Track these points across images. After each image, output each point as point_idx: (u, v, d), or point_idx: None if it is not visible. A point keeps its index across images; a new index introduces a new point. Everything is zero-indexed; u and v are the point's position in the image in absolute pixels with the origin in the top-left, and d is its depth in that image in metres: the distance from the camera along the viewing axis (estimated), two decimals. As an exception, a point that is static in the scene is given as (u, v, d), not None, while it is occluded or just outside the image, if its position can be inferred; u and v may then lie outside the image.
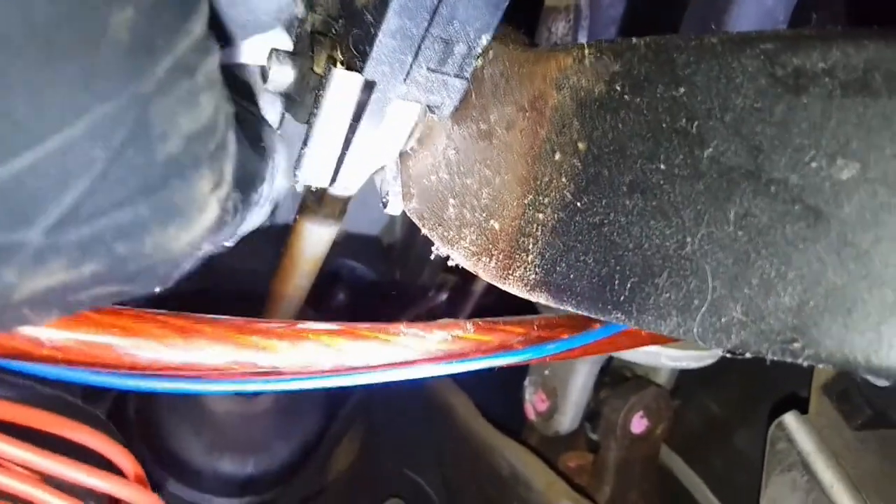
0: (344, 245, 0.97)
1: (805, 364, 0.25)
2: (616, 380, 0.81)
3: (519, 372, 0.89)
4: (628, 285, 0.31)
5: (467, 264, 0.42)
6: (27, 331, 0.30)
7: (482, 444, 0.79)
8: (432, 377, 0.46)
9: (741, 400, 0.87)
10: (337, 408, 0.83)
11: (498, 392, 0.91)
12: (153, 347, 0.35)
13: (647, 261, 0.30)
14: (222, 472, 0.71)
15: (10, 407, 0.35)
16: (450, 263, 0.43)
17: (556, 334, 0.48)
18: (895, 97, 0.23)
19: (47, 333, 0.30)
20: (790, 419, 0.62)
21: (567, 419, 0.80)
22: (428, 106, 0.43)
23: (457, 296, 0.96)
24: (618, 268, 0.32)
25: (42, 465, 0.34)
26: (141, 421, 0.72)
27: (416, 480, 0.84)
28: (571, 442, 0.86)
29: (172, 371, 0.35)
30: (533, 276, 0.37)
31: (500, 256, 0.39)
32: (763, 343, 0.26)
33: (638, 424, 0.78)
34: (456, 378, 0.92)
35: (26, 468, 0.33)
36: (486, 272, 0.40)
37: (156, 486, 0.71)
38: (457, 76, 0.39)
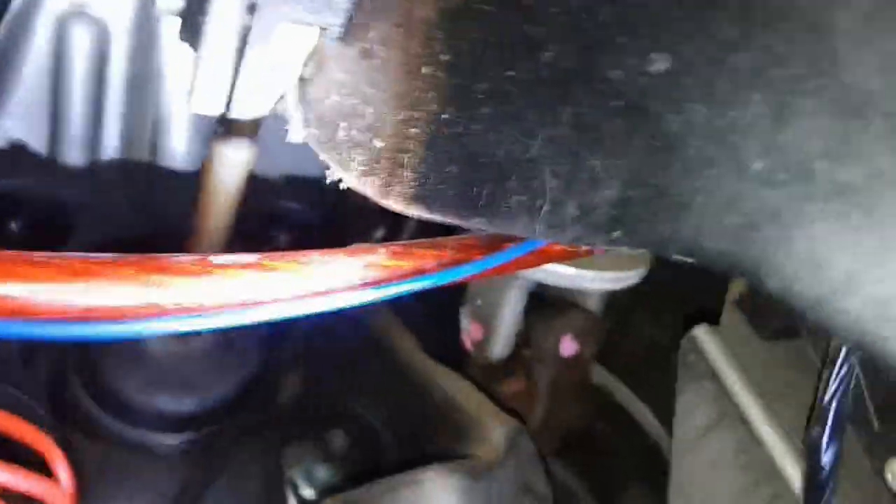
0: (284, 186, 0.96)
1: (625, 250, 0.26)
2: (545, 305, 0.83)
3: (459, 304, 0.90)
4: (485, 191, 0.32)
5: (356, 185, 0.42)
6: None
7: (420, 375, 0.81)
8: (347, 307, 0.46)
9: (676, 322, 0.90)
10: (277, 343, 0.84)
11: (440, 325, 0.93)
12: (49, 292, 0.34)
13: (500, 167, 0.31)
14: (160, 409, 0.72)
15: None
16: (341, 186, 0.44)
17: (470, 255, 0.49)
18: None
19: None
20: (700, 331, 0.64)
21: (499, 347, 0.82)
22: (321, 29, 0.42)
23: (393, 230, 0.97)
24: (476, 175, 0.33)
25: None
26: (77, 358, 0.73)
27: (360, 413, 0.86)
28: (511, 368, 0.89)
29: (74, 316, 0.34)
30: (409, 190, 0.38)
31: (383, 174, 0.40)
32: (593, 235, 0.28)
33: (567, 347, 0.81)
34: (397, 312, 0.93)
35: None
36: (372, 190, 0.41)
37: (93, 423, 0.72)
38: (338, -6, 0.39)
